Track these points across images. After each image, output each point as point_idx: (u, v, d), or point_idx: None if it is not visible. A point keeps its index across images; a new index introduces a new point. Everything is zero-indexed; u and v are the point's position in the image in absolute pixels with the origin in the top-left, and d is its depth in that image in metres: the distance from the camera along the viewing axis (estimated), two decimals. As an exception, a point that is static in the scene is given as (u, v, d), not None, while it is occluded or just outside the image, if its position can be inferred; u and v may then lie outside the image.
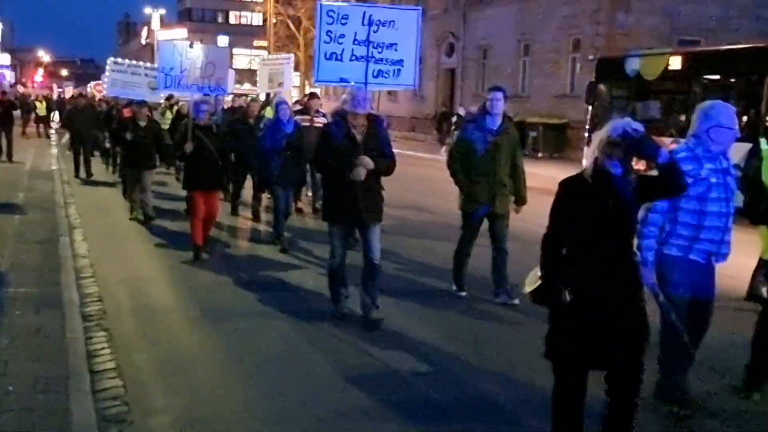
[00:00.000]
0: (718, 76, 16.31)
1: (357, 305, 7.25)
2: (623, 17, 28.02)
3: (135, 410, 5.15)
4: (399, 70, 7.82)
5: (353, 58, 7.63)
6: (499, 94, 7.76)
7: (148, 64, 15.68)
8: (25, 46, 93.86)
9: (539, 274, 4.27)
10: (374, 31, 7.63)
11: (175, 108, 17.92)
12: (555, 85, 31.13)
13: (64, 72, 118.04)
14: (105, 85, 15.68)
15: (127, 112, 14.26)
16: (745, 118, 15.00)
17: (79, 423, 4.81)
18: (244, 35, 77.74)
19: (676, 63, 16.96)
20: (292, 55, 18.29)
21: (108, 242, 10.91)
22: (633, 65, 18.03)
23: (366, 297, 7.10)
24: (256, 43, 59.15)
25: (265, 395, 5.50)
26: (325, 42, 7.65)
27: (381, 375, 5.96)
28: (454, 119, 33.78)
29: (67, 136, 22.71)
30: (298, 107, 14.02)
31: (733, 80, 15.86)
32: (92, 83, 34.22)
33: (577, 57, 29.95)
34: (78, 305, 7.40)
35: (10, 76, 71.42)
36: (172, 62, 10.84)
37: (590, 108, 19.62)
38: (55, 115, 37.77)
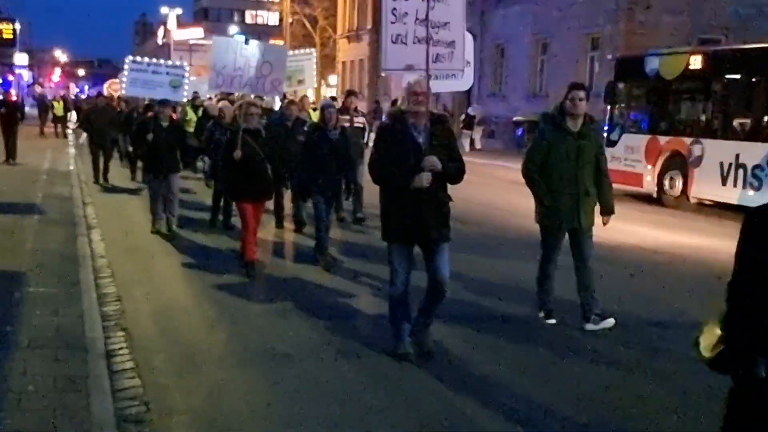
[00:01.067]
0: (739, 76, 16.14)
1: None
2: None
3: (154, 410, 5.13)
4: (452, 53, 6.94)
5: (416, 40, 6.70)
6: (581, 93, 6.91)
7: (169, 62, 15.23)
8: (42, 47, 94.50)
9: (719, 333, 3.04)
10: (431, 8, 6.68)
11: (200, 109, 17.55)
12: (573, 84, 30.93)
13: (81, 72, 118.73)
14: (124, 85, 14.96)
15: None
16: (766, 119, 14.88)
17: (98, 423, 4.79)
18: (260, 34, 77.85)
19: (696, 62, 16.71)
20: (313, 51, 17.66)
21: (126, 242, 10.93)
22: (652, 64, 17.78)
23: (422, 323, 6.24)
24: (272, 42, 59.20)
25: (285, 397, 5.46)
26: (391, 22, 6.73)
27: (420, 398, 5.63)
28: (461, 117, 33.76)
29: (84, 135, 22.45)
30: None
31: (754, 80, 15.67)
32: (107, 82, 34.18)
33: (596, 56, 29.76)
34: (97, 305, 7.39)
35: (27, 76, 71.93)
36: (226, 59, 9.98)
37: (609, 108, 19.49)
38: (72, 115, 38.00)
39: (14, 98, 25.34)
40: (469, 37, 8.88)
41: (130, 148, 17.33)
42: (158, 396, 5.38)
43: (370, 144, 11.80)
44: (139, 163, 16.96)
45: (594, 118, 7.36)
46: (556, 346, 6.65)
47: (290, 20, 53.47)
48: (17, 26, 26.29)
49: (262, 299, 8.04)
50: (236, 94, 14.29)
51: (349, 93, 13.58)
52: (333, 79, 59.11)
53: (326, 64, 59.08)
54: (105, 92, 29.71)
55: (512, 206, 14.73)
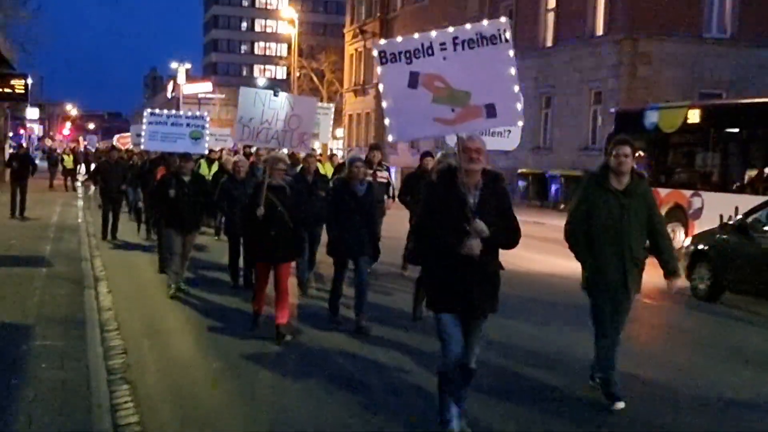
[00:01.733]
0: (737, 129, 16.33)
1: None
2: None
3: (158, 465, 5.14)
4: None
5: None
6: (626, 149, 6.37)
7: (189, 113, 14.27)
8: (53, 101, 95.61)
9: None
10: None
11: (216, 162, 17.34)
12: (577, 137, 31.23)
13: (92, 125, 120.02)
14: (143, 139, 13.86)
15: (160, 171, 13.07)
16: (765, 172, 15.00)
17: (102, 478, 4.81)
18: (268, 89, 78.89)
19: (694, 116, 17.02)
20: (331, 106, 17.32)
21: (133, 295, 10.99)
22: (652, 118, 18.09)
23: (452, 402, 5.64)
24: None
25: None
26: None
27: None
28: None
29: (92, 188, 22.46)
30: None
31: (752, 133, 15.87)
32: (116, 136, 34.52)
33: (599, 109, 30.08)
34: (102, 358, 7.43)
35: (38, 129, 72.77)
36: (253, 112, 9.50)
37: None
38: (82, 168, 38.40)
39: (25, 152, 25.02)
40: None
41: (141, 203, 17.28)
42: (162, 450, 5.39)
43: (396, 199, 11.28)
44: (144, 216, 17.22)
45: (643, 174, 7.00)
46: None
47: (298, 74, 54.24)
48: (29, 81, 26.71)
49: (269, 355, 8.00)
50: (257, 148, 14.07)
51: (373, 147, 13.33)
52: (339, 132, 59.64)
53: (333, 117, 59.60)
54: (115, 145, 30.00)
55: (551, 266, 14.47)
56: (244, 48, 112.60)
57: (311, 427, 5.91)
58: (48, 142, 47.53)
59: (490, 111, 5.75)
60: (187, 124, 13.40)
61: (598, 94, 30.46)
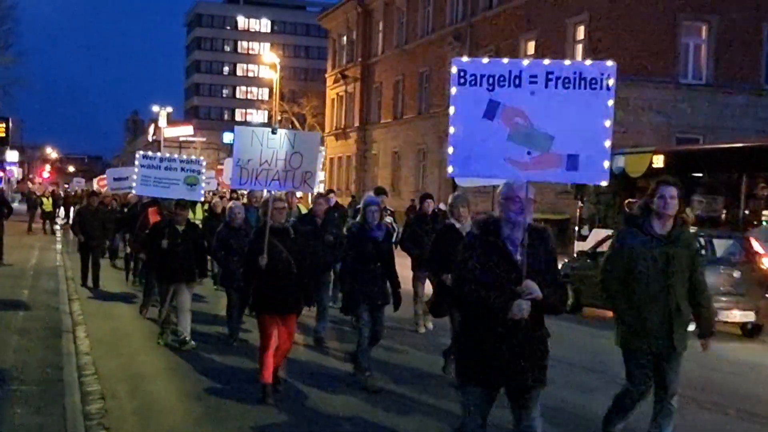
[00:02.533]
0: (700, 174, 16.75)
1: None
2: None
3: None
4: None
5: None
6: (672, 190, 5.77)
7: (184, 157, 13.31)
8: (33, 143, 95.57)
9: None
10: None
11: (206, 206, 16.93)
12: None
13: (71, 168, 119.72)
14: (135, 183, 12.67)
15: (152, 214, 12.48)
16: (725, 213, 15.76)
17: None
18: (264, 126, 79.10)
19: (659, 161, 17.69)
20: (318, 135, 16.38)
21: (111, 339, 10.85)
22: (618, 163, 18.37)
23: None
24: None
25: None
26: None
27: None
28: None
29: (71, 234, 21.20)
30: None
31: (714, 177, 16.48)
32: (96, 179, 34.27)
33: (578, 153, 30.37)
34: (80, 404, 7.32)
35: (18, 172, 72.45)
36: (251, 152, 8.48)
37: (579, 204, 20.22)
38: (61, 211, 38.17)
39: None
40: None
41: (128, 249, 16.59)
42: (140, 498, 5.29)
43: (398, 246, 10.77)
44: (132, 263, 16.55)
45: (687, 219, 6.41)
46: None
47: (279, 118, 54.52)
48: (10, 125, 26.73)
49: (252, 401, 7.73)
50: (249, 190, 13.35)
51: (380, 191, 12.67)
52: (321, 175, 59.80)
53: (314, 161, 59.81)
54: (95, 189, 29.71)
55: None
56: (225, 92, 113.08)
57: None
58: (28, 185, 47.26)
59: (572, 163, 5.02)
60: (182, 169, 12.28)
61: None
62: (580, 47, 30.75)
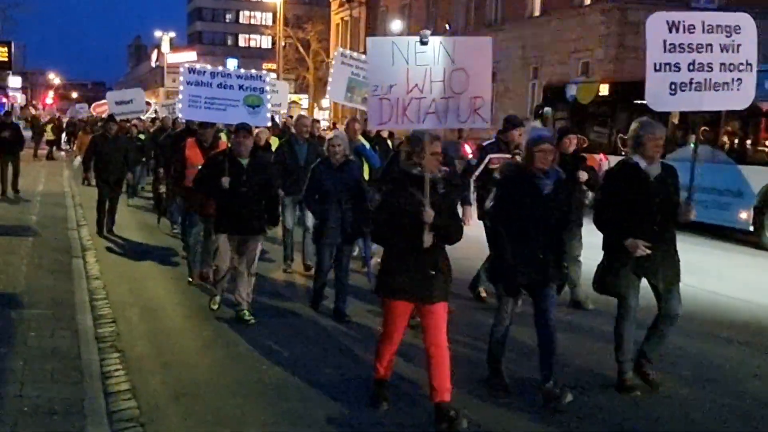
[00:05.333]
0: (640, 102, 17.09)
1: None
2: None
3: (150, 432, 5.15)
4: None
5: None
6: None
7: (242, 71, 9.76)
8: (36, 69, 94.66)
9: None
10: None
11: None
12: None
13: (75, 95, 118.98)
14: (179, 104, 9.82)
15: (191, 146, 9.52)
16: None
17: (95, 445, 4.81)
18: (253, 58, 78.36)
19: (604, 90, 19.81)
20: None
21: (121, 263, 10.94)
22: (571, 91, 20.79)
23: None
24: (265, 66, 59.51)
25: (283, 418, 5.50)
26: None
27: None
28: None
29: (78, 159, 20.65)
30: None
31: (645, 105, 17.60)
32: (94, 104, 33.40)
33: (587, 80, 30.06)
34: (92, 327, 7.42)
35: (21, 98, 72.06)
36: (393, 74, 5.88)
37: None
38: (64, 137, 38.10)
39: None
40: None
41: (163, 188, 13.72)
42: (154, 418, 5.40)
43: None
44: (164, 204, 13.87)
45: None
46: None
47: (283, 44, 53.79)
48: (12, 49, 26.42)
49: (261, 324, 7.91)
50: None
51: (516, 122, 8.81)
52: (325, 102, 59.36)
53: (319, 87, 59.41)
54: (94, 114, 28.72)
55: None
56: (228, 17, 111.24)
57: (303, 394, 5.93)
58: (32, 111, 47.00)
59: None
60: (240, 86, 9.43)
61: (585, 65, 30.38)
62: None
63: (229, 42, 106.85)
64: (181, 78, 9.40)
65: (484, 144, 9.08)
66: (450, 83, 5.90)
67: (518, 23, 34.14)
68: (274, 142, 12.33)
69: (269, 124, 11.58)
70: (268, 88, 9.52)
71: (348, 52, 12.66)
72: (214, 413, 5.54)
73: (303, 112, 41.81)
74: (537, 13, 33.78)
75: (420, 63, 5.89)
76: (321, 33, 60.15)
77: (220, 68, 9.77)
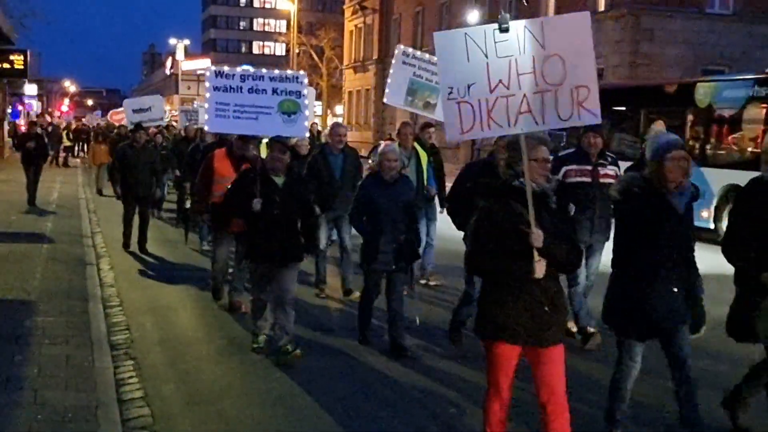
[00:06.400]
0: (621, 108, 18.75)
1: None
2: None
3: (163, 440, 5.16)
4: None
5: None
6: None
7: (276, 72, 8.23)
8: (51, 77, 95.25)
9: None
10: None
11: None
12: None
13: (90, 102, 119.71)
14: (206, 115, 8.24)
15: (220, 158, 8.71)
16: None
17: (108, 453, 4.82)
18: (267, 65, 78.58)
19: None
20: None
21: (134, 271, 10.97)
22: None
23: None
24: (279, 73, 59.97)
25: (294, 427, 5.49)
26: None
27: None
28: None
29: (94, 172, 20.61)
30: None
31: (626, 111, 18.65)
32: (111, 112, 33.47)
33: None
34: (106, 334, 7.44)
35: (36, 106, 72.54)
36: (471, 72, 4.81)
37: None
38: (82, 146, 38.32)
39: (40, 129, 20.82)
40: None
41: (188, 203, 12.80)
42: (168, 426, 5.41)
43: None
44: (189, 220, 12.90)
45: None
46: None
47: (297, 51, 53.99)
48: (28, 57, 26.62)
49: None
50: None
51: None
52: (339, 108, 59.53)
53: (333, 94, 59.61)
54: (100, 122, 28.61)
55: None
56: (243, 24, 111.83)
57: (318, 404, 5.91)
58: (48, 118, 47.27)
59: None
60: (274, 90, 7.88)
61: (600, 71, 30.31)
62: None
63: (243, 49, 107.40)
64: (207, 83, 8.08)
65: (560, 154, 7.65)
66: (543, 74, 4.80)
67: (532, 30, 34.10)
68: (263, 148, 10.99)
69: (307, 134, 9.62)
70: (305, 91, 8.12)
71: (410, 50, 10.97)
72: (227, 421, 5.54)
73: (339, 119, 41.89)
74: (550, 19, 33.75)
75: (502, 54, 4.82)
76: (334, 40, 60.35)
77: (252, 69, 8.32)
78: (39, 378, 6.06)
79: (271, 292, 7.03)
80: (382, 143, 9.44)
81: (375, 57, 51.34)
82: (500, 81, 4.78)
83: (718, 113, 16.11)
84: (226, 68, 8.30)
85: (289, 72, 8.27)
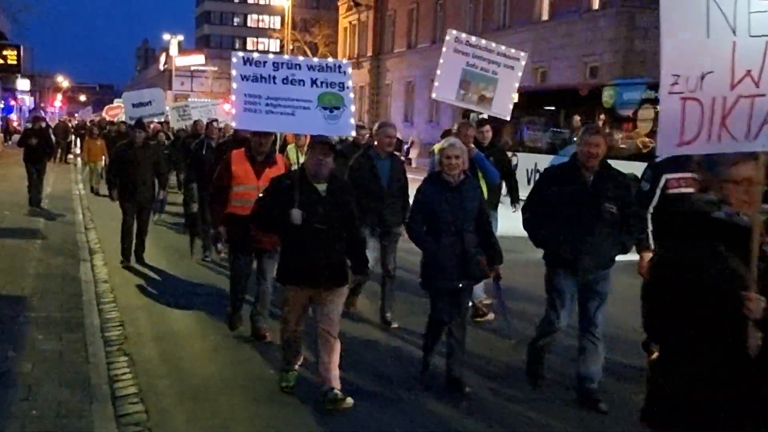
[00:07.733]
0: (542, 108, 20.90)
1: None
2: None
3: (158, 436, 5.15)
4: None
5: None
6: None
7: (315, 60, 7.13)
8: (44, 72, 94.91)
9: None
10: None
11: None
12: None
13: (83, 98, 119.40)
14: (235, 110, 6.77)
15: (238, 159, 7.33)
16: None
17: (102, 449, 4.81)
18: (261, 62, 78.37)
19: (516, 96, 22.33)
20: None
21: (129, 267, 10.93)
22: None
23: None
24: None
25: (289, 423, 5.49)
26: None
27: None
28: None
29: (81, 165, 20.32)
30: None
31: (550, 110, 20.66)
32: (106, 107, 33.22)
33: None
34: (100, 330, 7.43)
35: (29, 101, 72.33)
36: (705, 53, 3.50)
37: None
38: (76, 141, 38.15)
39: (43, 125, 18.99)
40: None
41: (195, 207, 11.45)
42: (161, 421, 5.41)
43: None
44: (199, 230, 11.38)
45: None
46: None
47: (291, 47, 53.90)
48: (21, 52, 26.46)
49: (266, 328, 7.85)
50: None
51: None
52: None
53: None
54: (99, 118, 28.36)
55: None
56: (236, 20, 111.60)
57: (311, 399, 5.91)
58: (42, 114, 47.21)
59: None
60: (314, 81, 6.72)
61: (594, 69, 30.36)
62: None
63: (237, 45, 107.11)
64: (234, 71, 6.70)
65: (657, 160, 6.36)
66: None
67: (526, 27, 34.10)
68: (291, 151, 10.15)
69: (354, 133, 7.76)
70: (350, 83, 6.89)
71: (463, 35, 9.37)
72: (221, 417, 5.54)
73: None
74: (545, 17, 33.78)
75: (757, 32, 3.32)
76: (328, 37, 60.28)
77: (286, 57, 7.12)
78: (33, 374, 6.05)
79: (318, 322, 5.86)
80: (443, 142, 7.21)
81: (369, 54, 51.31)
82: (748, 72, 3.33)
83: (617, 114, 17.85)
84: (255, 54, 6.95)
85: (330, 60, 7.10)
